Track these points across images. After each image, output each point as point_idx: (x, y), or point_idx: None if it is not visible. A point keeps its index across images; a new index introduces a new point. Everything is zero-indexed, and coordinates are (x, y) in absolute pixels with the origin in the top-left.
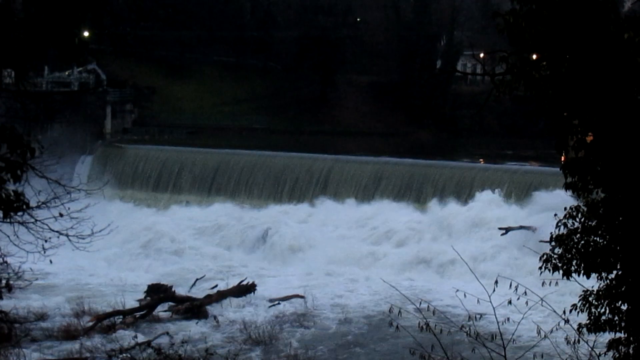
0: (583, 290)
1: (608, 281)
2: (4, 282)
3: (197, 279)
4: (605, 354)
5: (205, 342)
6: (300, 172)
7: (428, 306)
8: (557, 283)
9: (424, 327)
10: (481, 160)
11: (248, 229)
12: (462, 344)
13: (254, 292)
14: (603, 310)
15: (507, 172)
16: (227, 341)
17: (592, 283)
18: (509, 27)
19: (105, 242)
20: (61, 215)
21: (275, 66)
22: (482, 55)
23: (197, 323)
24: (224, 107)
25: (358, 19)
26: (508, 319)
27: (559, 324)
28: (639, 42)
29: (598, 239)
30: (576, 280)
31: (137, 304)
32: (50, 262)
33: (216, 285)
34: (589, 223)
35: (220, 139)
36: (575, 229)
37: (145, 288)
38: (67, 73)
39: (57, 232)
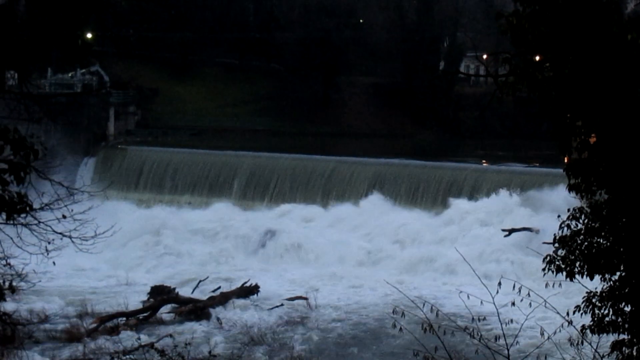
0: (586, 292)
1: (611, 283)
2: (7, 283)
3: (200, 281)
4: (608, 355)
5: (208, 343)
6: (303, 173)
7: (431, 307)
8: (560, 284)
9: (427, 328)
10: (484, 161)
11: (251, 231)
12: (465, 345)
13: (257, 294)
14: (606, 311)
15: (510, 174)
16: (230, 343)
17: (596, 284)
18: (512, 29)
19: (109, 244)
20: (64, 217)
21: (278, 68)
22: (485, 56)
23: (200, 325)
24: (227, 108)
25: (361, 21)
26: (511, 320)
27: (562, 326)
28: None
29: (601, 240)
30: (579, 282)
31: (140, 306)
32: (54, 263)
33: (219, 287)
34: (593, 224)
35: (223, 140)
36: (579, 231)
37: (149, 290)
38: (70, 75)
39: (60, 233)
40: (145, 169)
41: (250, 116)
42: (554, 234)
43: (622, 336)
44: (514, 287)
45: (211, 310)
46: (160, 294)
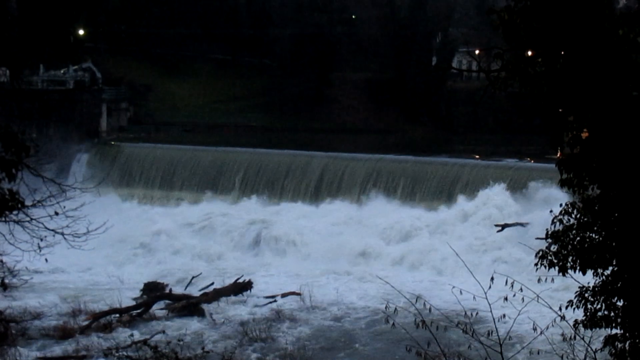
0: (579, 287)
1: (604, 277)
2: None
3: (193, 277)
4: (601, 350)
5: (201, 340)
6: (296, 169)
7: (424, 303)
8: (553, 279)
9: (420, 324)
10: (477, 156)
11: (244, 227)
12: (458, 340)
13: (250, 290)
14: (599, 306)
15: (503, 169)
16: (224, 339)
17: (588, 279)
18: (504, 24)
19: (101, 241)
20: (56, 213)
21: (270, 63)
22: (477, 52)
23: (193, 321)
24: (220, 104)
25: (353, 16)
26: (504, 315)
27: (555, 320)
28: (634, 39)
29: (593, 235)
30: (572, 277)
31: (133, 302)
32: (46, 260)
33: (212, 283)
34: (585, 219)
35: (216, 136)
36: (571, 226)
37: (142, 286)
38: (62, 71)
39: (52, 230)
40: (138, 166)
41: (243, 112)
42: (547, 229)
43: (614, 330)
44: (506, 282)
45: (204, 306)
46: (154, 291)
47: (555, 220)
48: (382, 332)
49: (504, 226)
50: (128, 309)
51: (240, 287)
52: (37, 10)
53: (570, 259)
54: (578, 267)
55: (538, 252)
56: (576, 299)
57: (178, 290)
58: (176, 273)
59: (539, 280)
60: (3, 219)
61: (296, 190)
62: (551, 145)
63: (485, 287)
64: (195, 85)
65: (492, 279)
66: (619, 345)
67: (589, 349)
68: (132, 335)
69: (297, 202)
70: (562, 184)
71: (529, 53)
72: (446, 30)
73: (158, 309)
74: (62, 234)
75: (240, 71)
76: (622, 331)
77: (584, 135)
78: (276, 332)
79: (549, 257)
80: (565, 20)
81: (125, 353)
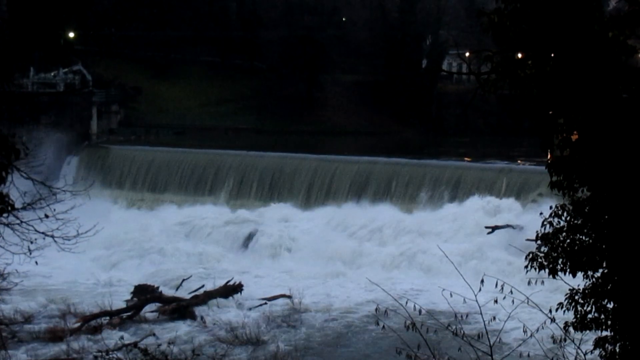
0: (569, 289)
1: (594, 279)
2: None
3: (183, 280)
4: (591, 352)
5: (192, 342)
6: (286, 172)
7: (414, 305)
8: (543, 282)
9: (410, 326)
10: (467, 159)
11: (235, 229)
12: (448, 343)
13: (240, 293)
14: (589, 308)
15: (493, 171)
16: (214, 341)
17: (578, 281)
18: (494, 26)
19: (91, 243)
20: (47, 216)
21: (261, 66)
22: (467, 54)
23: (183, 323)
24: (210, 107)
25: (344, 19)
26: (494, 317)
27: (545, 323)
28: (623, 41)
29: (584, 237)
30: (562, 279)
31: (123, 305)
32: (36, 263)
33: (203, 286)
34: (575, 221)
35: (206, 139)
36: (561, 228)
37: (132, 289)
38: (52, 74)
39: (42, 233)
40: (129, 168)
41: (233, 115)
42: (537, 231)
43: (604, 333)
44: (496, 284)
45: (195, 309)
46: (144, 293)
47: (545, 223)
48: (372, 335)
49: (494, 228)
50: (118, 312)
51: (231, 290)
52: (27, 13)
53: (560, 261)
54: (568, 270)
55: (528, 255)
56: (566, 301)
57: (168, 292)
58: (166, 275)
59: (529, 283)
60: None
61: (287, 192)
62: (541, 148)
63: (476, 289)
64: (185, 87)
65: (482, 281)
66: (609, 348)
67: (579, 351)
68: (122, 337)
69: (287, 205)
70: (552, 186)
71: (519, 55)
72: (436, 32)
73: (148, 311)
74: (52, 236)
75: (231, 74)
76: (612, 333)
77: (574, 137)
78: (266, 335)
79: (539, 260)
80: (555, 22)
81: (115, 356)
